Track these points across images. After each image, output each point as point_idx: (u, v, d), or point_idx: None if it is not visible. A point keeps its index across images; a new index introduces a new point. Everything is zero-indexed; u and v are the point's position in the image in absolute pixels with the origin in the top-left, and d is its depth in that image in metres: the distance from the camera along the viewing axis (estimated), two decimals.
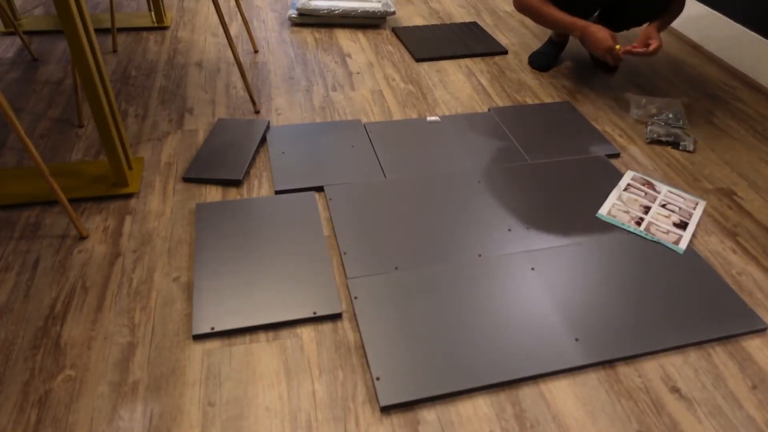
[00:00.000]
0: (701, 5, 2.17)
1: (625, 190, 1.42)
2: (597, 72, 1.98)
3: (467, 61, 2.02)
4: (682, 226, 1.32)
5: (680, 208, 1.37)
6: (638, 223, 1.32)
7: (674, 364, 1.04)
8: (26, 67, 1.86)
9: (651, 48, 1.63)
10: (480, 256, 1.22)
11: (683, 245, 1.26)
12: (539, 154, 1.54)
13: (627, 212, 1.35)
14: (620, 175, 1.47)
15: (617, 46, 1.64)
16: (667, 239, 1.28)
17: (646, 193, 1.42)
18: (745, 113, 1.80)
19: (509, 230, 1.29)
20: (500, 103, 1.78)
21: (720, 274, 1.22)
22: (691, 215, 1.36)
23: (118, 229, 1.26)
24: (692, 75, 2.00)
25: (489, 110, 1.73)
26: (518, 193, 1.40)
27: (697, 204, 1.40)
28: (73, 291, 1.12)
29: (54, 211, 1.30)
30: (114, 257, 1.19)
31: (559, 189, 1.42)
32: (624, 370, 1.02)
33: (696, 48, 2.19)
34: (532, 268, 1.19)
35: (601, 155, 1.55)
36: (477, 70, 1.97)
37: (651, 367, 1.03)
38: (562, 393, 0.98)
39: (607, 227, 1.31)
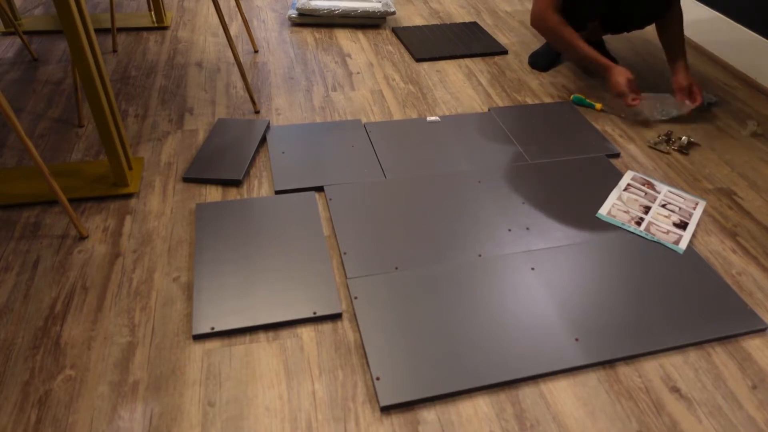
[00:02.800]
0: (701, 6, 2.17)
1: (625, 190, 1.42)
2: None
3: (467, 61, 2.02)
4: (682, 226, 1.32)
5: (680, 208, 1.38)
6: (638, 223, 1.32)
7: (674, 364, 1.04)
8: (26, 67, 1.86)
9: (696, 101, 1.68)
10: (480, 256, 1.22)
11: (683, 245, 1.27)
12: (539, 154, 1.54)
13: (627, 212, 1.35)
14: (620, 175, 1.47)
15: (693, 102, 1.67)
16: (667, 239, 1.28)
17: (646, 193, 1.42)
18: (745, 113, 1.80)
19: (509, 230, 1.29)
20: (500, 103, 1.78)
21: (720, 274, 1.22)
22: (691, 215, 1.36)
23: (118, 229, 1.26)
24: (692, 75, 2.00)
25: (489, 110, 1.73)
26: (518, 193, 1.40)
27: (697, 204, 1.40)
28: (73, 291, 1.12)
29: (54, 211, 1.30)
30: (114, 257, 1.19)
31: (559, 189, 1.42)
32: (624, 370, 1.02)
33: (696, 48, 2.19)
34: (532, 268, 1.19)
35: (601, 155, 1.55)
36: (477, 70, 1.97)
37: (651, 367, 1.03)
38: (562, 393, 0.98)
39: (607, 227, 1.31)
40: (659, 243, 1.27)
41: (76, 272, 1.16)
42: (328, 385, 0.97)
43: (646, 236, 1.29)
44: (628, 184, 1.44)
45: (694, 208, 1.38)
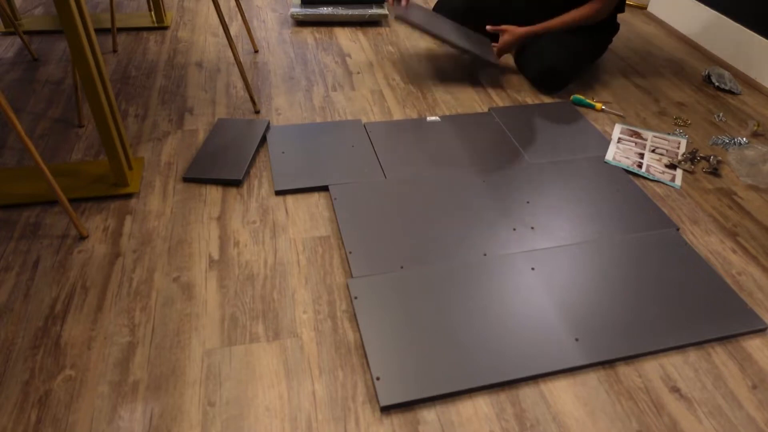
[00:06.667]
0: (701, 5, 2.17)
1: (618, 142, 1.59)
2: (597, 72, 1.98)
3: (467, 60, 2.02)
4: (672, 167, 1.52)
5: (667, 150, 1.58)
6: (639, 166, 1.50)
7: (674, 364, 1.04)
8: (26, 67, 1.86)
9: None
10: (485, 255, 1.22)
11: (678, 182, 1.47)
12: (539, 154, 1.54)
13: (627, 158, 1.53)
14: (622, 175, 1.47)
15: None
16: (664, 178, 1.47)
17: (636, 143, 1.60)
18: (745, 113, 1.80)
19: (514, 229, 1.29)
20: (500, 103, 1.78)
21: (720, 274, 1.22)
22: (677, 155, 1.56)
23: (118, 229, 1.26)
24: (692, 75, 2.00)
25: (489, 110, 1.73)
26: (521, 192, 1.40)
27: (680, 143, 1.60)
28: (73, 291, 1.12)
29: (54, 211, 1.30)
30: (114, 257, 1.19)
31: (562, 188, 1.42)
32: (624, 370, 1.02)
33: (696, 48, 2.19)
34: (532, 268, 1.19)
35: (601, 155, 1.55)
36: (477, 69, 1.97)
37: (651, 367, 1.03)
38: (562, 393, 0.98)
39: (608, 226, 1.31)
40: (660, 181, 1.46)
41: (76, 272, 1.16)
42: (328, 385, 0.97)
43: (648, 176, 1.47)
44: (620, 138, 1.61)
45: (678, 147, 1.58)
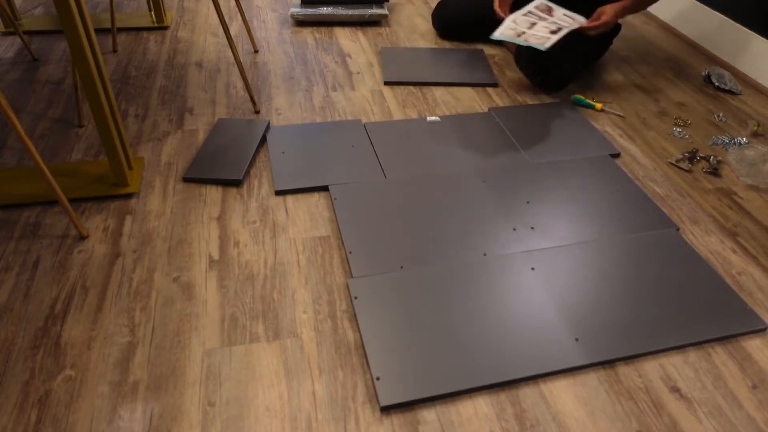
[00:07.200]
0: (701, 5, 2.17)
1: (524, 15, 1.61)
2: (597, 72, 1.98)
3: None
4: (556, 32, 1.55)
5: (563, 23, 1.60)
6: (519, 35, 1.53)
7: (674, 364, 1.04)
8: (26, 67, 1.86)
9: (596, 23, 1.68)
10: (485, 255, 1.22)
11: (548, 45, 1.51)
12: (539, 154, 1.54)
13: (514, 29, 1.56)
14: (622, 175, 1.47)
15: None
16: (536, 42, 1.51)
17: (540, 17, 1.63)
18: (745, 113, 1.80)
19: (514, 229, 1.29)
20: (500, 103, 1.78)
21: (720, 274, 1.22)
22: (569, 25, 1.58)
23: (118, 229, 1.26)
24: (692, 75, 2.00)
25: (489, 110, 1.73)
26: (522, 192, 1.40)
27: (581, 22, 1.63)
28: (73, 291, 1.12)
29: (54, 211, 1.30)
30: (114, 257, 1.19)
31: (562, 189, 1.42)
32: (624, 370, 1.02)
33: (696, 48, 2.19)
34: (532, 268, 1.19)
35: (601, 155, 1.55)
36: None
37: (651, 367, 1.03)
38: (562, 393, 0.98)
39: (610, 227, 1.31)
40: (528, 45, 1.52)
41: (76, 272, 1.16)
42: (328, 385, 0.97)
43: (521, 42, 1.52)
44: (529, 11, 1.63)
45: (573, 21, 1.61)
